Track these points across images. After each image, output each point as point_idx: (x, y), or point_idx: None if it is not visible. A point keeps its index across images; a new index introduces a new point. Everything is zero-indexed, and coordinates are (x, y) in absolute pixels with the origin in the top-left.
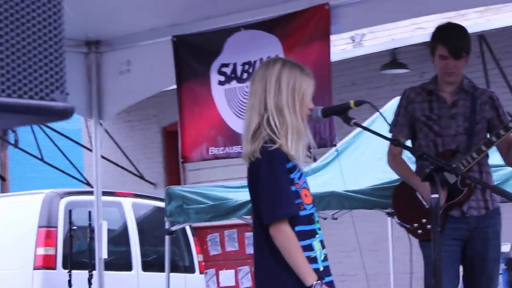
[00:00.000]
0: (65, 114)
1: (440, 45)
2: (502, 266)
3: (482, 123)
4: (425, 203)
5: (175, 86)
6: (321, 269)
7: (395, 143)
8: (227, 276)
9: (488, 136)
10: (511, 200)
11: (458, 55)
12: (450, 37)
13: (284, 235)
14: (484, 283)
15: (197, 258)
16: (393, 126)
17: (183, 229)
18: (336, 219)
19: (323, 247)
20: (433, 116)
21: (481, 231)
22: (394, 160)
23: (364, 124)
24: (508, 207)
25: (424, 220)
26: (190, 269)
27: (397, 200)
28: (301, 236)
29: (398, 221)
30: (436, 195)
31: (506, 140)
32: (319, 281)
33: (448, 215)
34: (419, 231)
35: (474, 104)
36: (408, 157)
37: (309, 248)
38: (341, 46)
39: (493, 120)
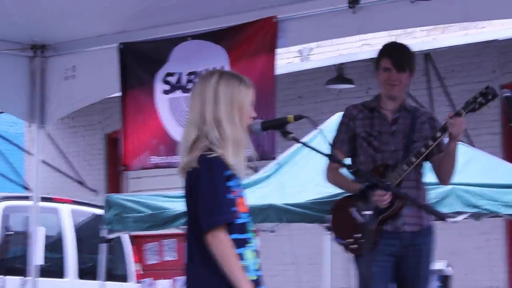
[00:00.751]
0: None
1: (385, 58)
2: (437, 283)
3: (419, 141)
4: (359, 217)
5: (120, 93)
6: (255, 278)
7: (332, 159)
8: (164, 285)
9: (429, 161)
10: (440, 218)
11: (401, 68)
12: (394, 51)
13: (221, 243)
14: None
15: (134, 266)
16: (334, 142)
17: (121, 238)
18: (273, 232)
19: (257, 256)
20: (373, 132)
21: (415, 248)
22: (333, 174)
23: (306, 138)
24: (445, 224)
25: (357, 235)
26: (126, 278)
27: (334, 215)
28: (234, 244)
29: (333, 237)
30: (368, 212)
31: (438, 158)
32: None
33: (382, 230)
34: (352, 246)
35: (414, 123)
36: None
37: (240, 257)
38: (288, 60)
39: (430, 140)
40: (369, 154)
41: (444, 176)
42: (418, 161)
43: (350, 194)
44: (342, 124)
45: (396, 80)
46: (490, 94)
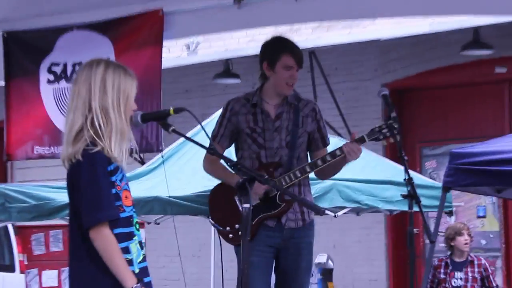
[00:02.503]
0: None
1: (286, 55)
2: (318, 276)
3: (303, 136)
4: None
5: (3, 83)
6: (137, 271)
7: (211, 152)
8: (50, 276)
9: (310, 152)
10: (320, 213)
11: (301, 66)
12: (294, 48)
13: (104, 239)
14: None
15: (18, 257)
16: (214, 136)
17: (6, 228)
18: (158, 224)
19: (142, 247)
20: (257, 129)
21: (295, 241)
22: (211, 164)
23: (192, 131)
24: (326, 219)
25: (237, 226)
26: (9, 268)
27: (214, 201)
28: (119, 238)
29: (212, 222)
30: (247, 205)
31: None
32: (138, 284)
33: (263, 223)
34: (230, 235)
35: (297, 117)
36: None
37: (126, 250)
38: (176, 53)
39: (314, 133)
40: (253, 150)
41: (324, 178)
42: (310, 171)
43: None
44: (223, 118)
45: (296, 78)
46: (395, 129)
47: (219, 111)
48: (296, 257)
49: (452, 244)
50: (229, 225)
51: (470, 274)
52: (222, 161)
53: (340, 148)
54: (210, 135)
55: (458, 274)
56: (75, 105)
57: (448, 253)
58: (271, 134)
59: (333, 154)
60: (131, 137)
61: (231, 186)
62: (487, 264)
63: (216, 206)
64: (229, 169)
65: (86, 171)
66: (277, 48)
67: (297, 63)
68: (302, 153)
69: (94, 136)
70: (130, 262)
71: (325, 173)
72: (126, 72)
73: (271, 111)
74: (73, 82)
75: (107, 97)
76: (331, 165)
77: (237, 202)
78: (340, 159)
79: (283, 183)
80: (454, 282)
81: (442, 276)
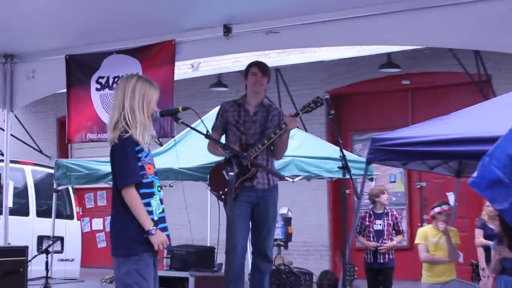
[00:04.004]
0: None
1: (253, 67)
2: (281, 223)
3: (271, 128)
4: (227, 177)
5: (65, 90)
6: (156, 218)
7: (206, 137)
8: (97, 222)
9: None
10: (281, 178)
11: (264, 72)
12: (259, 63)
13: (131, 196)
14: (264, 233)
15: (76, 209)
16: (213, 127)
17: (67, 189)
18: (172, 186)
19: (161, 203)
20: (240, 121)
21: (265, 198)
22: (211, 147)
23: (194, 123)
24: (287, 183)
25: (226, 189)
26: (70, 217)
27: (211, 176)
28: (143, 196)
29: (210, 190)
30: (232, 173)
31: (278, 142)
32: (154, 227)
33: (243, 184)
34: (223, 197)
35: (268, 115)
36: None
37: (147, 204)
38: (184, 70)
39: (277, 127)
40: (237, 136)
41: (277, 154)
42: (268, 143)
43: (221, 161)
44: (219, 115)
45: (260, 80)
46: (319, 102)
47: (214, 110)
48: (265, 210)
49: (376, 200)
50: (221, 189)
51: (386, 221)
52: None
53: (284, 122)
54: (207, 127)
55: (378, 222)
56: (114, 105)
57: (371, 206)
58: (249, 125)
59: (280, 127)
60: (152, 128)
61: (222, 166)
62: (397, 214)
63: (213, 179)
64: (220, 149)
65: (119, 150)
66: (248, 66)
67: (260, 70)
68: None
69: (126, 127)
70: (151, 212)
71: (277, 151)
72: (151, 84)
73: (250, 109)
74: (115, 89)
75: (134, 100)
76: (281, 140)
77: (224, 174)
78: (284, 131)
79: (254, 152)
80: (375, 227)
81: (367, 223)
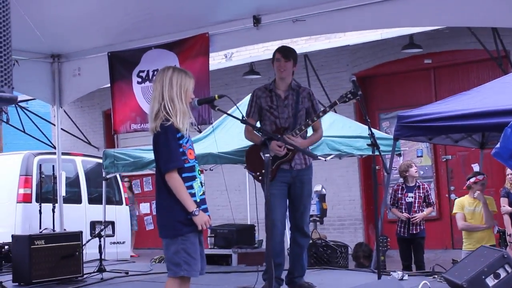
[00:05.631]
0: (10, 101)
1: (277, 53)
2: (316, 199)
3: (302, 110)
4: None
5: (109, 85)
6: (198, 200)
7: (242, 122)
8: (144, 207)
9: (306, 120)
10: (315, 158)
11: (287, 57)
12: (282, 48)
13: (174, 180)
14: (301, 210)
15: (124, 195)
16: (247, 113)
17: (115, 177)
18: (212, 170)
19: (202, 186)
20: (273, 106)
21: (300, 178)
22: (248, 132)
23: (230, 110)
24: (320, 162)
25: (263, 170)
26: (119, 202)
27: (248, 156)
28: (186, 179)
29: (248, 170)
30: (268, 155)
31: (314, 126)
32: (197, 209)
33: (280, 167)
34: (260, 177)
35: (298, 98)
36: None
37: (190, 187)
38: (218, 60)
39: (309, 109)
40: (271, 120)
41: (312, 136)
42: (305, 129)
43: (256, 144)
44: (252, 101)
45: (284, 66)
46: (356, 94)
47: (248, 97)
48: (301, 188)
49: (406, 174)
50: (258, 170)
51: (417, 194)
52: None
53: (322, 110)
54: (242, 112)
55: (410, 194)
56: (154, 96)
57: (402, 180)
58: (282, 109)
59: (318, 114)
60: (191, 116)
61: (258, 146)
62: (427, 187)
63: (250, 160)
64: (257, 133)
65: (162, 138)
66: (275, 51)
67: (282, 56)
68: (303, 121)
69: (167, 115)
70: (193, 195)
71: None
72: (186, 74)
73: (281, 94)
74: (154, 81)
75: (173, 90)
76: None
77: (262, 156)
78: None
79: (297, 133)
80: (407, 199)
81: (399, 195)
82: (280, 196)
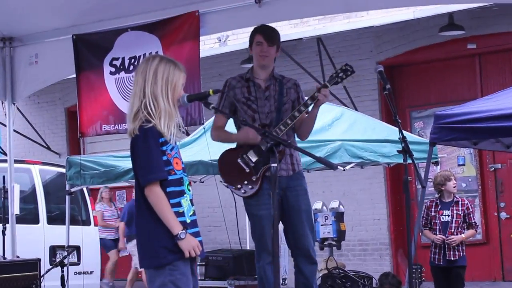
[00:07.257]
0: None
1: (257, 34)
2: (332, 218)
3: (288, 103)
4: (245, 167)
5: (75, 75)
6: (188, 221)
7: (217, 111)
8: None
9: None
10: (333, 168)
11: (270, 42)
12: (264, 29)
13: (156, 195)
14: (300, 230)
15: (92, 213)
16: (216, 109)
17: (82, 190)
18: (203, 182)
19: (192, 204)
20: (251, 98)
21: (292, 189)
22: (218, 131)
23: None
24: (337, 172)
25: (245, 182)
26: (86, 222)
27: (222, 166)
28: (172, 195)
29: (224, 183)
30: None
31: (300, 119)
32: (183, 231)
33: (265, 176)
34: (242, 191)
35: (282, 89)
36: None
37: (178, 204)
38: (210, 45)
39: (296, 101)
40: (248, 115)
41: (303, 133)
42: (292, 123)
43: (231, 148)
44: (223, 93)
45: (266, 51)
46: (349, 71)
47: None
48: (295, 201)
49: (442, 188)
50: (239, 183)
51: (455, 212)
52: (226, 128)
53: (310, 97)
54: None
55: (446, 212)
56: (134, 92)
57: (437, 195)
58: (262, 102)
59: (305, 104)
60: (178, 117)
61: (233, 153)
62: (469, 204)
63: (224, 170)
64: (228, 131)
65: (140, 142)
66: (252, 32)
67: (265, 39)
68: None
69: (148, 116)
70: (182, 214)
71: (304, 131)
72: (175, 65)
73: (261, 83)
74: (135, 72)
75: (157, 86)
76: (310, 117)
77: (241, 164)
78: (315, 106)
79: (279, 132)
80: (442, 218)
81: (433, 213)
82: (268, 217)
